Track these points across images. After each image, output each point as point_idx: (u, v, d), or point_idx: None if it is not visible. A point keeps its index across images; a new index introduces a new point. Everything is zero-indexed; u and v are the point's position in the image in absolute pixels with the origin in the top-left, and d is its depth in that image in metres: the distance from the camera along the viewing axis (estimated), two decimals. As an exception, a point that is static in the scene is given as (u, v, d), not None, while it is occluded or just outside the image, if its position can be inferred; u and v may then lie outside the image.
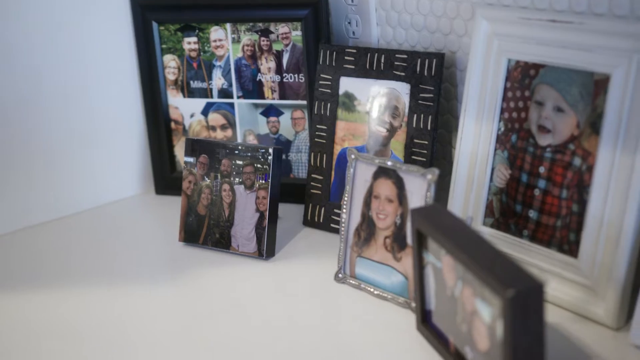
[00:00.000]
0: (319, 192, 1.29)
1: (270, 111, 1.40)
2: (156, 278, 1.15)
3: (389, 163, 1.04)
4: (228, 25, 1.38)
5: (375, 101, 1.22)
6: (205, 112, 1.45)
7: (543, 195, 1.02)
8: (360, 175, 1.08)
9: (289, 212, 1.36)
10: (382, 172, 1.05)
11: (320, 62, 1.27)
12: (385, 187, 1.04)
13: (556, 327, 0.96)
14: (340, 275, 1.11)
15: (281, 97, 1.38)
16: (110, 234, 1.32)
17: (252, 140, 1.43)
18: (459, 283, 0.84)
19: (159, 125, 1.46)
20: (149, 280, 1.14)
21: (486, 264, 0.77)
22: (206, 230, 1.24)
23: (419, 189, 1.00)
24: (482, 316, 0.80)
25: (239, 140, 1.44)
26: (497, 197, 1.08)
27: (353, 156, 1.08)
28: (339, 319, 1.02)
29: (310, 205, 1.30)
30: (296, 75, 1.36)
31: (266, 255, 1.18)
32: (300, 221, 1.33)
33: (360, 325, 1.00)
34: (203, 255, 1.22)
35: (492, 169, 1.08)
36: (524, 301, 0.73)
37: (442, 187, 1.22)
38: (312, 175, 1.29)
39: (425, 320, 0.96)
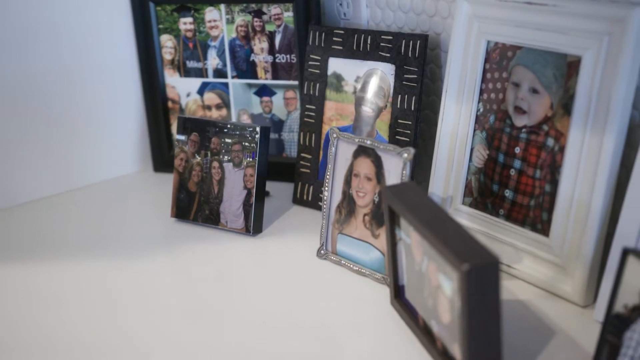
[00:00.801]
0: (308, 170, 1.31)
1: (263, 91, 1.43)
2: (147, 252, 1.18)
3: (368, 142, 1.06)
4: (222, 6, 1.40)
5: (361, 82, 1.24)
6: (200, 92, 1.47)
7: (518, 175, 1.04)
8: (342, 154, 1.10)
9: (280, 191, 1.39)
10: (362, 151, 1.07)
11: (310, 43, 1.29)
12: (365, 166, 1.07)
13: (526, 304, 0.98)
14: (322, 251, 1.14)
15: (274, 77, 1.41)
16: (107, 210, 1.36)
17: (246, 119, 1.46)
18: (425, 259, 0.86)
19: (157, 104, 1.49)
20: (140, 254, 1.18)
21: (447, 240, 0.79)
22: (197, 207, 1.27)
23: (395, 167, 1.03)
24: (444, 290, 0.82)
25: (234, 119, 1.47)
26: (475, 176, 1.10)
27: (335, 135, 1.11)
28: (318, 294, 1.05)
29: (300, 183, 1.33)
30: (288, 56, 1.38)
31: (253, 232, 1.21)
32: (290, 199, 1.36)
33: (338, 300, 1.02)
34: (193, 231, 1.25)
35: (472, 149, 1.10)
36: (479, 275, 0.75)
37: (429, 167, 1.24)
38: (302, 155, 1.32)
39: (398, 295, 0.98)
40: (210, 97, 1.47)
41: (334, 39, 1.26)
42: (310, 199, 1.31)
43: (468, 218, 1.11)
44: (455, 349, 0.82)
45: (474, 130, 1.10)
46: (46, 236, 1.26)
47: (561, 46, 0.96)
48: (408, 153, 1.01)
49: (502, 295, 0.99)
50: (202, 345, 0.93)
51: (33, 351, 0.93)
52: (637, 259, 0.77)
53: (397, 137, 1.19)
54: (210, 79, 1.46)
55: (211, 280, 1.09)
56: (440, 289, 0.83)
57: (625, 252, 0.79)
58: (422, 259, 0.87)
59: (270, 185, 1.40)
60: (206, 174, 1.26)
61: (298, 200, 1.33)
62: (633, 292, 0.77)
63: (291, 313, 1.00)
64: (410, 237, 0.90)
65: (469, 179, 1.11)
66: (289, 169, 1.39)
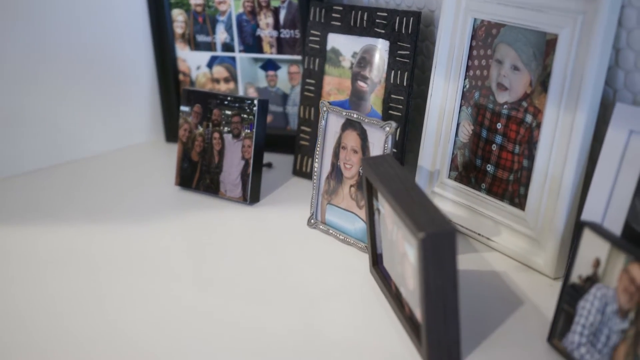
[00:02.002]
0: (307, 143, 1.35)
1: (268, 65, 1.47)
2: (150, 218, 1.24)
3: (355, 115, 1.09)
4: (230, -18, 1.44)
5: (357, 57, 1.27)
6: (210, 65, 1.52)
7: (499, 151, 1.06)
8: (331, 127, 1.14)
9: (283, 162, 1.44)
10: (349, 124, 1.11)
11: (311, 19, 1.33)
12: (351, 138, 1.10)
13: (501, 275, 1.02)
14: (312, 221, 1.18)
15: (279, 52, 1.45)
16: (118, 176, 1.42)
17: (252, 93, 1.50)
18: (395, 228, 0.90)
19: (168, 77, 1.54)
20: (143, 219, 1.23)
21: (410, 210, 0.83)
22: (199, 176, 1.32)
23: (379, 140, 1.06)
24: (409, 258, 0.86)
25: (241, 93, 1.51)
26: (461, 151, 1.13)
27: (325, 108, 1.14)
28: (305, 261, 1.09)
29: (299, 156, 1.37)
30: (292, 31, 1.42)
31: (250, 201, 1.26)
32: (291, 171, 1.40)
33: (322, 267, 1.07)
34: (194, 199, 1.31)
35: (458, 125, 1.13)
36: (435, 243, 0.79)
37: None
38: (302, 128, 1.36)
39: (376, 263, 1.02)
40: (219, 71, 1.52)
41: (333, 15, 1.30)
42: (309, 170, 1.35)
43: (453, 192, 1.14)
44: (419, 314, 0.86)
45: (460, 106, 1.12)
46: (58, 200, 1.32)
47: (540, 24, 0.98)
48: (390, 127, 1.04)
49: (479, 267, 1.03)
50: (183, 304, 0.98)
51: (39, 306, 1.00)
52: (592, 232, 0.80)
53: (390, 111, 1.22)
54: (219, 52, 1.50)
55: (205, 246, 1.15)
56: (406, 256, 0.87)
57: (582, 225, 0.81)
58: (392, 228, 0.91)
59: (273, 157, 1.45)
60: (208, 144, 1.31)
61: (298, 172, 1.37)
62: (587, 264, 0.80)
63: (277, 279, 1.04)
64: (384, 207, 0.94)
65: (455, 154, 1.14)
66: (293, 141, 1.43)
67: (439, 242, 0.79)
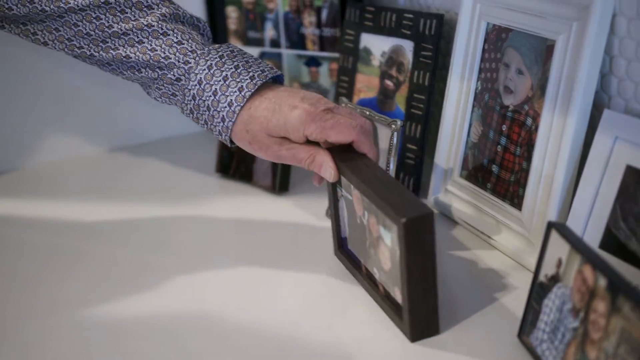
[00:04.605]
0: (340, 137, 1.41)
1: (311, 61, 1.53)
2: (184, 202, 1.34)
3: (367, 112, 1.15)
4: (277, -18, 1.52)
5: (385, 57, 1.32)
6: (259, 60, 1.60)
7: (503, 152, 1.09)
8: (348, 123, 1.20)
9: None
10: (362, 121, 1.16)
11: (347, 19, 1.39)
12: (364, 134, 1.16)
13: (494, 272, 1.05)
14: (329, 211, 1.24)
15: (321, 49, 1.51)
16: (170, 162, 1.54)
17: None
18: (366, 213, 0.96)
19: (222, 70, 1.63)
20: (178, 202, 1.34)
21: (385, 196, 0.89)
22: (236, 164, 1.41)
23: (385, 136, 1.11)
24: (385, 241, 0.91)
25: (287, 87, 1.59)
26: (472, 151, 1.17)
27: (343, 105, 1.20)
28: (300, 248, 1.18)
29: (332, 149, 1.43)
30: (333, 30, 1.48)
31: (279, 190, 1.34)
32: (327, 164, 1.47)
33: (309, 251, 1.15)
34: (230, 185, 1.40)
35: (470, 125, 1.17)
36: (415, 226, 0.84)
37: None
38: (335, 122, 1.42)
39: (341, 247, 1.08)
40: (267, 66, 1.59)
41: (366, 15, 1.35)
42: (340, 164, 1.41)
43: (463, 190, 1.17)
44: (397, 292, 0.91)
45: (473, 107, 1.16)
46: (109, 184, 1.45)
47: (541, 30, 1.01)
48: (395, 125, 1.09)
49: (476, 263, 1.08)
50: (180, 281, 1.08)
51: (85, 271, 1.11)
52: (557, 233, 0.83)
53: (412, 110, 1.27)
54: (267, 48, 1.58)
55: (227, 228, 1.24)
56: (381, 240, 0.92)
57: (550, 226, 0.84)
58: (362, 213, 0.97)
59: (313, 150, 1.52)
60: (244, 135, 1.39)
61: (331, 165, 1.43)
62: (553, 263, 0.83)
63: (266, 263, 1.12)
64: (351, 195, 0.99)
65: (467, 154, 1.17)
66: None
67: (419, 224, 0.84)
